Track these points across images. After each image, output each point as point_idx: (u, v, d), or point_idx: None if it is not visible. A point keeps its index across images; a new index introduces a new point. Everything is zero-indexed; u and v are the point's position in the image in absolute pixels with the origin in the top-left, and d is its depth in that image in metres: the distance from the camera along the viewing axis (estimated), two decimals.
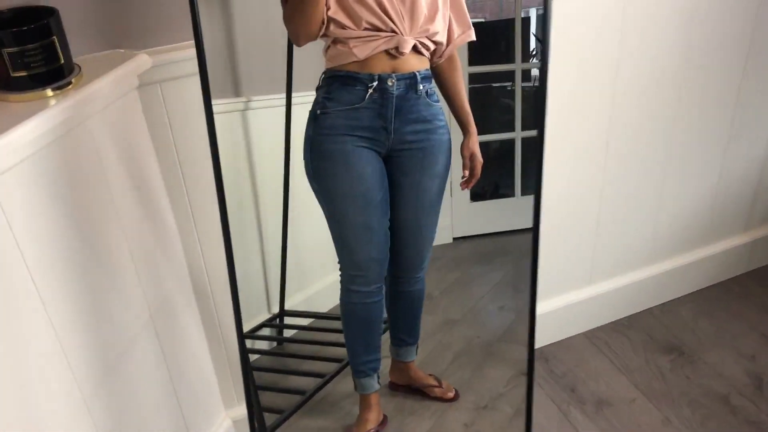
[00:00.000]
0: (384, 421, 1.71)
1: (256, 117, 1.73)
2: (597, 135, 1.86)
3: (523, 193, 2.77)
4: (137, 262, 1.31)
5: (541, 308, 2.07)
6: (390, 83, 1.33)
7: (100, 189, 1.19)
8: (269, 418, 1.66)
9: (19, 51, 1.02)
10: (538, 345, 2.10)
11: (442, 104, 1.49)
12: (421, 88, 1.37)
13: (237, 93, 1.64)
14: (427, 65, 1.40)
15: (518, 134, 2.72)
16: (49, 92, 1.07)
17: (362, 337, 1.63)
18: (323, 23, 1.26)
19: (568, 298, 2.08)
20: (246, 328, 1.51)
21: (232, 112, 1.65)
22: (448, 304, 2.47)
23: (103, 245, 1.21)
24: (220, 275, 1.53)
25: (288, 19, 1.27)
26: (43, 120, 1.02)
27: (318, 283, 2.25)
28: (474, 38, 1.48)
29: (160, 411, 1.44)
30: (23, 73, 1.04)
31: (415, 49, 1.34)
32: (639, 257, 2.12)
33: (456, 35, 1.42)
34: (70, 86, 1.09)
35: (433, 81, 1.43)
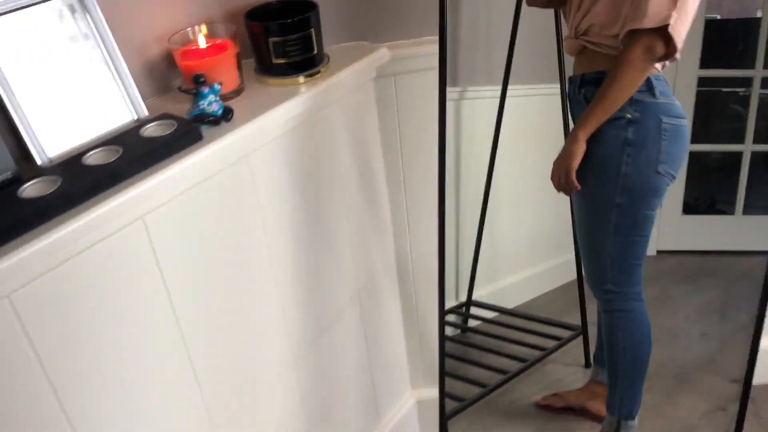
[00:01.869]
0: None
1: (468, 107, 1.76)
2: None
3: (745, 211, 2.54)
4: (353, 241, 1.41)
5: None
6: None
7: (331, 171, 1.30)
8: (449, 405, 1.70)
9: (282, 41, 1.14)
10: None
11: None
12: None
13: (454, 83, 1.69)
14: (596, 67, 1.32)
15: (748, 147, 2.49)
16: (301, 79, 1.18)
17: None
18: None
19: None
20: None
21: (450, 101, 1.70)
22: None
23: (328, 222, 1.32)
24: (422, 260, 1.60)
25: None
26: (295, 104, 1.13)
27: (508, 278, 2.26)
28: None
29: (354, 381, 1.55)
30: (282, 61, 1.16)
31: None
32: None
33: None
34: (318, 74, 1.20)
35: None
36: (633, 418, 1.59)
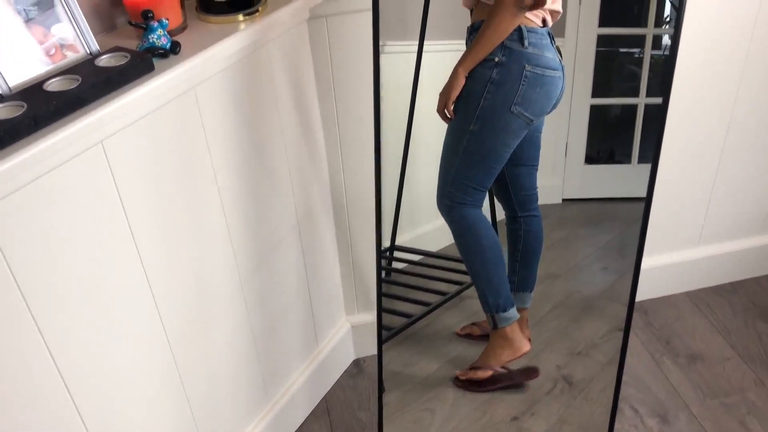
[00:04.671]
0: None
1: (388, 60, 1.88)
2: (722, 106, 1.89)
3: (640, 160, 2.80)
4: (292, 173, 1.52)
5: (646, 263, 2.14)
6: None
7: (270, 105, 1.40)
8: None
9: None
10: (639, 298, 2.18)
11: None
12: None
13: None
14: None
15: (642, 101, 2.73)
16: (240, 17, 1.27)
17: None
18: None
19: (674, 257, 2.14)
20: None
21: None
22: (551, 259, 2.57)
23: (269, 153, 1.43)
24: (354, 195, 1.73)
25: None
26: (236, 40, 1.22)
27: (428, 224, 2.42)
28: None
29: (295, 305, 1.67)
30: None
31: None
32: (752, 225, 2.14)
33: None
34: (257, 14, 1.28)
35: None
36: (504, 310, 1.79)
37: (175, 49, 1.14)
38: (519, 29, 1.46)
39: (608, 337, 2.10)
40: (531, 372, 1.87)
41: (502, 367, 1.82)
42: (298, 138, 1.52)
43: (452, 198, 1.65)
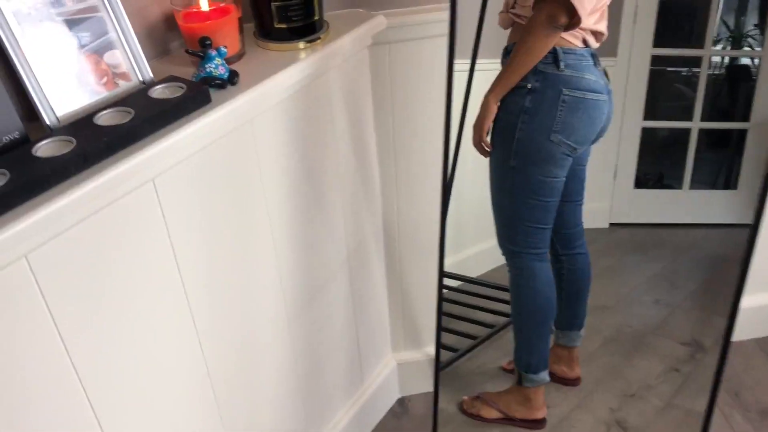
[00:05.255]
0: None
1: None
2: None
3: (692, 186, 2.66)
4: (345, 205, 1.44)
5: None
6: None
7: (326, 137, 1.32)
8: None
9: (284, 5, 1.15)
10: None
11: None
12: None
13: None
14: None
15: (696, 125, 2.60)
16: (301, 45, 1.19)
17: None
18: None
19: (745, 300, 2.00)
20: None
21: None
22: (600, 289, 2.46)
23: (322, 184, 1.35)
24: (407, 225, 1.64)
25: None
26: (297, 70, 1.14)
27: (471, 248, 2.32)
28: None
29: (342, 342, 1.59)
30: (284, 26, 1.17)
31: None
32: None
33: None
34: (318, 41, 1.21)
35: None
36: (534, 372, 1.67)
37: (233, 79, 1.06)
38: (554, 51, 1.33)
39: (663, 378, 1.99)
40: (538, 424, 1.75)
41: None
42: (353, 168, 1.44)
43: (513, 242, 1.54)
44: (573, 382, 1.92)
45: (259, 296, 1.27)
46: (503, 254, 1.59)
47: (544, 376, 1.68)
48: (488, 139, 1.42)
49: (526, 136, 1.37)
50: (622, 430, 1.83)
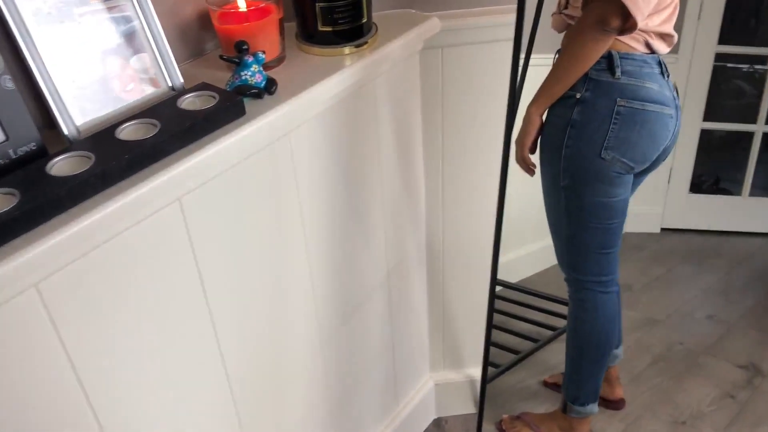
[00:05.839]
0: None
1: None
2: None
3: (752, 193, 2.48)
4: (386, 222, 1.33)
5: None
6: None
7: (370, 147, 1.21)
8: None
9: (330, 6, 1.04)
10: None
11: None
12: None
13: None
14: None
15: (760, 128, 2.41)
16: (347, 50, 1.08)
17: None
18: None
19: None
20: None
21: None
22: (649, 301, 2.33)
23: (363, 201, 1.24)
24: (452, 242, 1.53)
25: None
26: (342, 78, 1.04)
27: (511, 252, 2.21)
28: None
29: (377, 364, 1.49)
30: (329, 29, 1.06)
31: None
32: None
33: None
34: (365, 45, 1.10)
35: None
36: (581, 404, 1.54)
37: (270, 88, 0.96)
38: (609, 56, 1.17)
39: (717, 405, 1.87)
40: None
41: None
42: (397, 183, 1.33)
43: (575, 268, 1.39)
44: (616, 404, 1.81)
45: (290, 319, 1.17)
46: (565, 280, 1.46)
47: (593, 408, 1.57)
48: (530, 156, 1.29)
49: (574, 152, 1.22)
50: None
